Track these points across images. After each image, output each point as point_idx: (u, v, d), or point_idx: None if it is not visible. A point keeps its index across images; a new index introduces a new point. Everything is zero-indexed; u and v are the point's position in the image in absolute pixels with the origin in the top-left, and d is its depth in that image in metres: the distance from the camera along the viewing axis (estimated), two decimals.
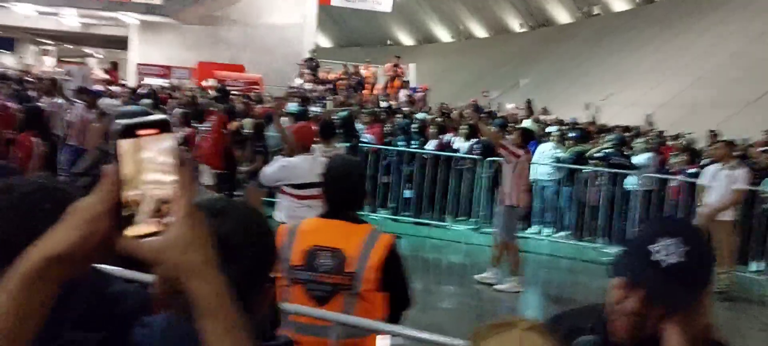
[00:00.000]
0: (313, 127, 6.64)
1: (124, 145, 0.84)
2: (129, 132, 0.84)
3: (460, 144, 10.89)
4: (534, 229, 10.37)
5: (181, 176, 0.86)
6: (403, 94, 18.52)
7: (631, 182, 9.86)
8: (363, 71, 20.44)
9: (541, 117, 15.71)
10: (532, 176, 9.17)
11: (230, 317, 0.88)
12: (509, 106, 19.55)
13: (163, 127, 0.85)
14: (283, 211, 5.28)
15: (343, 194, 3.00)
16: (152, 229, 0.84)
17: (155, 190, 0.84)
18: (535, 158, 10.00)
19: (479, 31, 36.51)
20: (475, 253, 9.39)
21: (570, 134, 11.40)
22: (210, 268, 0.87)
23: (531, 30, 33.07)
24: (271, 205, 9.66)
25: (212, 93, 14.27)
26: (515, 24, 34.16)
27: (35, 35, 27.80)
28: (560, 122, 14.35)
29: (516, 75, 28.36)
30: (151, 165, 0.84)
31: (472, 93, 22.55)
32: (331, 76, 20.23)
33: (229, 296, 0.89)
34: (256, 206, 8.89)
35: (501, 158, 7.85)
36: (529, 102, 18.58)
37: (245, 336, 0.90)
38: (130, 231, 0.84)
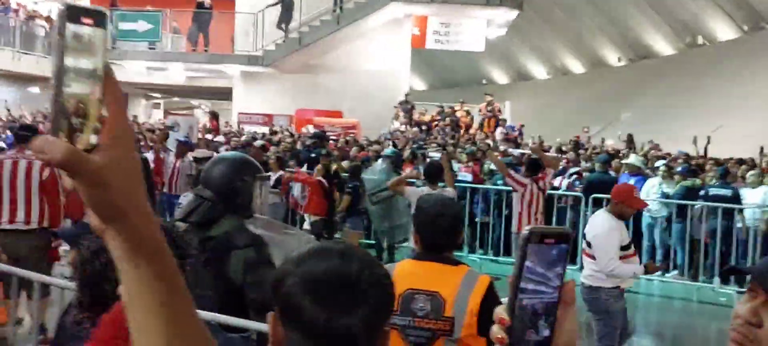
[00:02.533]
0: None
1: (68, 30, 0.70)
2: (74, 15, 0.70)
3: (560, 181, 10.59)
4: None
5: (109, 82, 0.71)
6: (499, 133, 18.30)
7: (749, 217, 9.26)
8: (458, 112, 20.36)
9: (651, 153, 15.08)
10: None
11: (169, 261, 0.77)
12: (610, 142, 18.94)
13: (98, 20, 0.71)
14: None
15: (438, 234, 2.90)
16: (89, 141, 0.70)
17: (83, 88, 0.70)
18: (642, 194, 9.64)
19: (576, 67, 35.78)
20: (578, 294, 8.98)
21: (678, 169, 10.88)
22: (143, 201, 0.74)
23: (630, 63, 32.11)
24: (369, 247, 9.69)
25: (310, 138, 14.55)
26: (613, 58, 33.28)
27: (146, 90, 29.39)
28: (667, 156, 13.75)
29: (616, 110, 27.51)
30: (83, 57, 0.70)
31: (570, 130, 22.03)
32: (426, 117, 20.26)
33: (164, 242, 0.77)
34: None
35: (603, 195, 7.71)
36: (630, 137, 17.95)
37: (184, 286, 0.78)
38: (77, 141, 0.70)
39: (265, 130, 18.21)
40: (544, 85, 36.43)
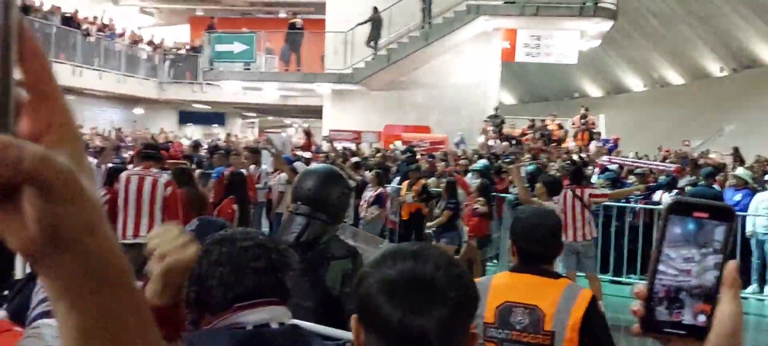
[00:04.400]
0: None
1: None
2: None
3: (662, 196, 10.18)
4: (753, 288, 9.36)
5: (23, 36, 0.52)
6: (593, 146, 17.82)
7: None
8: (550, 125, 19.98)
9: (756, 165, 14.32)
10: (748, 229, 9.17)
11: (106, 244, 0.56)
12: (713, 155, 18.11)
13: None
14: None
15: (537, 246, 2.82)
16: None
17: None
18: (751, 209, 9.22)
19: (675, 78, 34.50)
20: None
21: None
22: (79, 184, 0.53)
23: (733, 73, 30.70)
24: None
25: (402, 154, 14.59)
26: (715, 68, 31.90)
27: (241, 109, 30.35)
28: None
29: (719, 122, 26.34)
30: None
31: (669, 143, 21.24)
32: (516, 131, 19.98)
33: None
34: None
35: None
36: (736, 150, 17.10)
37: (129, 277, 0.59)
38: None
39: (353, 146, 18.41)
40: (641, 97, 35.32)
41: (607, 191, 8.77)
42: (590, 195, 8.20)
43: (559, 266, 7.78)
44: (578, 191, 8.15)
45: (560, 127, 20.01)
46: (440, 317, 1.12)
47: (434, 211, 10.35)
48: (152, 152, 6.93)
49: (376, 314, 1.13)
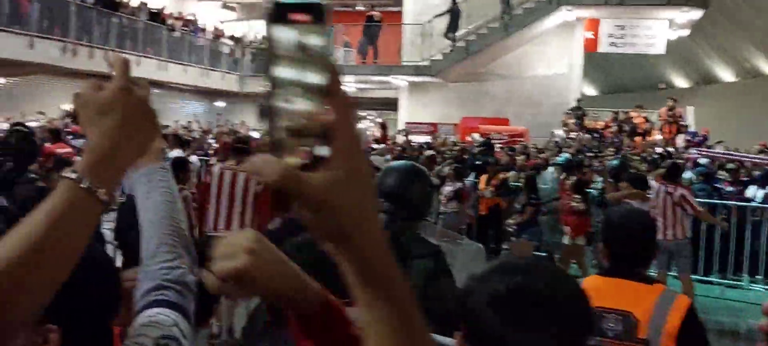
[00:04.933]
0: None
1: (274, 32, 0.61)
2: (280, 14, 0.61)
3: (755, 192, 9.68)
4: None
5: (335, 86, 0.62)
6: (681, 140, 17.16)
7: None
8: (635, 118, 19.36)
9: None
10: None
11: (400, 289, 0.69)
12: None
13: (316, 14, 0.61)
14: None
15: (630, 249, 2.67)
16: (303, 158, 0.61)
17: (303, 102, 0.60)
18: None
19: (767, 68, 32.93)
20: None
21: None
22: (373, 222, 0.67)
23: None
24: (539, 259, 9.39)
25: (478, 147, 14.41)
26: None
27: None
28: None
29: None
30: (300, 61, 0.61)
31: (762, 136, 20.25)
32: (599, 124, 19.44)
33: (396, 266, 0.69)
34: None
35: None
36: None
37: (418, 319, 0.71)
38: (287, 158, 0.61)
39: (429, 139, 18.33)
40: (731, 88, 33.86)
41: (696, 205, 8.16)
42: (681, 196, 7.82)
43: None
44: (670, 188, 7.83)
45: (646, 120, 19.35)
46: (557, 334, 1.05)
47: (514, 206, 10.16)
48: (244, 146, 6.98)
49: (486, 333, 1.08)
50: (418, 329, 0.73)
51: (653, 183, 8.19)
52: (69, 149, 9.60)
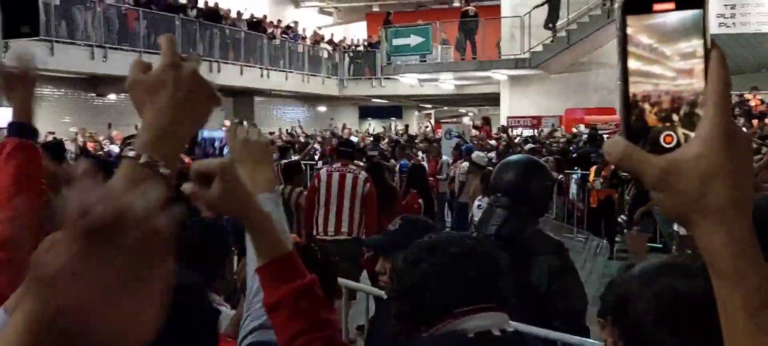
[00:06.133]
0: None
1: (633, 23, 0.65)
2: (640, 5, 0.64)
3: None
4: None
5: (713, 67, 0.64)
6: None
7: None
8: (751, 100, 18.37)
9: None
10: None
11: (749, 280, 0.63)
12: None
13: (686, 2, 0.64)
14: None
15: None
16: (668, 138, 0.63)
17: (671, 85, 0.64)
18: None
19: None
20: None
21: None
22: (735, 211, 0.63)
23: None
24: (655, 251, 9.08)
25: (584, 138, 14.09)
26: None
27: (418, 101, 30.78)
28: None
29: None
30: (666, 48, 0.64)
31: None
32: None
33: (755, 257, 0.63)
34: (641, 253, 8.43)
35: None
36: None
37: None
38: (635, 138, 0.65)
39: (533, 132, 18.05)
40: None
41: None
42: None
43: None
44: None
45: (762, 101, 18.33)
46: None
47: (625, 197, 9.87)
48: (348, 150, 7.09)
49: (647, 339, 1.06)
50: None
51: None
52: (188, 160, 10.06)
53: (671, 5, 0.63)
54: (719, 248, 0.63)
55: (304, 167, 10.94)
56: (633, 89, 0.65)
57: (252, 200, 1.28)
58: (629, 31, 0.65)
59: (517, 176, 3.24)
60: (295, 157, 10.93)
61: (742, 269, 0.63)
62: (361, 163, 8.22)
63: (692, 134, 0.63)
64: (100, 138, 16.85)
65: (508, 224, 3.16)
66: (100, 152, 13.86)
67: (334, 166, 6.91)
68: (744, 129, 9.96)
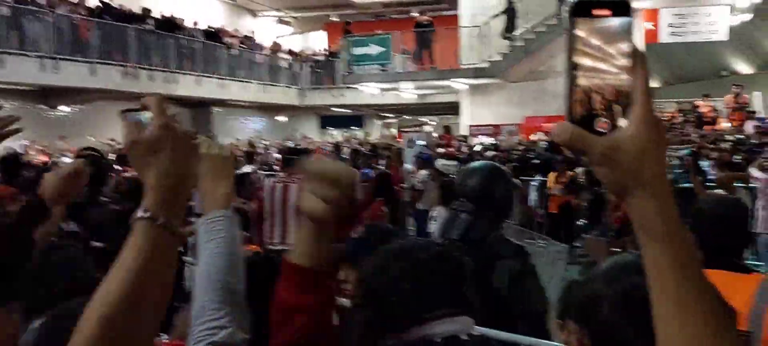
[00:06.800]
0: None
1: (579, 24, 0.75)
2: (583, 9, 0.76)
3: None
4: None
5: (638, 65, 0.76)
6: (750, 126, 16.64)
7: None
8: (701, 107, 18.86)
9: None
10: None
11: (678, 246, 0.75)
12: None
13: (619, 10, 0.76)
14: None
15: (725, 238, 2.64)
16: (603, 123, 0.75)
17: (606, 79, 0.75)
18: None
19: None
20: None
21: None
22: (661, 183, 0.75)
23: None
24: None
25: (542, 146, 14.28)
26: None
27: (378, 110, 30.84)
28: None
29: None
30: (602, 49, 0.76)
31: None
32: (665, 114, 19.01)
33: (679, 222, 0.76)
34: (600, 258, 8.57)
35: None
36: None
37: (695, 267, 0.76)
38: (578, 122, 0.76)
39: (493, 140, 18.22)
40: None
41: None
42: None
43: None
44: None
45: (712, 108, 18.84)
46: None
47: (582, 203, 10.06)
48: (294, 158, 6.98)
49: (615, 338, 1.07)
50: (699, 276, 0.77)
51: (757, 173, 7.75)
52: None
53: (607, 12, 0.75)
54: (652, 213, 0.75)
55: (259, 178, 10.87)
56: (576, 81, 0.75)
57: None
58: (574, 31, 0.76)
59: (481, 182, 3.28)
60: (252, 168, 10.83)
61: (672, 230, 0.75)
62: None
63: (623, 121, 0.75)
64: (52, 151, 16.49)
65: (475, 228, 3.20)
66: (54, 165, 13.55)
67: (279, 176, 6.84)
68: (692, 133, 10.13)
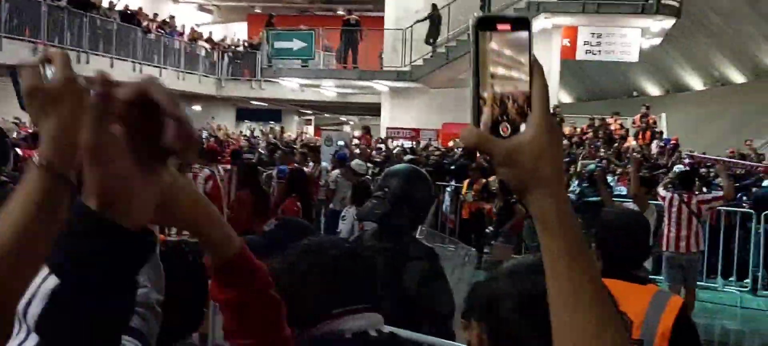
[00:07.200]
0: None
1: (483, 37, 0.81)
2: (487, 23, 0.82)
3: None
4: None
5: (535, 75, 0.82)
6: (655, 146, 17.44)
7: None
8: (612, 124, 19.63)
9: None
10: None
11: (571, 238, 0.82)
12: None
13: (519, 26, 0.82)
14: None
15: (625, 249, 2.75)
16: (505, 128, 0.81)
17: (507, 87, 0.82)
18: None
19: (736, 77, 33.51)
20: (753, 318, 8.35)
21: None
22: (557, 182, 0.83)
23: None
24: None
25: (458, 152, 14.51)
26: None
27: (298, 106, 30.61)
28: None
29: None
30: (504, 60, 0.82)
31: (730, 143, 20.64)
32: (577, 129, 19.69)
33: (572, 217, 0.83)
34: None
35: None
36: None
37: (586, 257, 0.83)
38: (483, 127, 0.81)
39: (411, 144, 18.40)
40: (701, 96, 34.43)
41: (717, 193, 8.00)
42: (699, 202, 7.50)
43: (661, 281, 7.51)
44: (686, 197, 7.51)
45: (621, 126, 19.64)
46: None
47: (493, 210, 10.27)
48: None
49: (512, 334, 1.09)
50: (589, 265, 0.83)
51: (663, 192, 7.90)
52: None
53: (508, 26, 0.81)
54: (548, 207, 0.82)
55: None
56: (480, 89, 0.81)
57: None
58: (479, 43, 0.81)
59: (401, 184, 3.30)
60: None
61: (566, 224, 0.82)
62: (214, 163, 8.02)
63: (522, 125, 0.81)
64: None
65: (391, 228, 3.22)
66: None
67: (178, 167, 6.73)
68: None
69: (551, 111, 0.84)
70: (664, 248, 7.51)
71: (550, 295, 0.83)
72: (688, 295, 7.44)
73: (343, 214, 6.90)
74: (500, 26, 0.81)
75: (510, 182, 0.83)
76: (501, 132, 0.81)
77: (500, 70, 0.81)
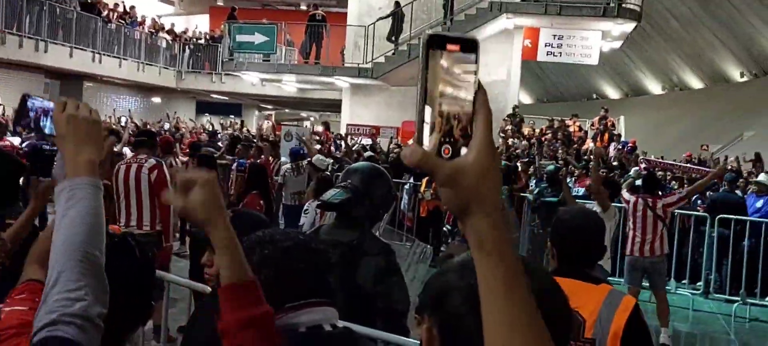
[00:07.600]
0: None
1: (432, 56, 0.81)
2: (438, 43, 0.81)
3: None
4: None
5: (480, 98, 0.83)
6: (613, 149, 17.69)
7: None
8: (571, 126, 19.86)
9: None
10: None
11: (507, 258, 0.83)
12: (732, 160, 17.96)
13: (468, 47, 0.82)
14: None
15: (580, 248, 2.74)
16: (446, 149, 0.82)
17: (453, 106, 0.82)
18: None
19: (694, 82, 34.24)
20: (705, 321, 8.51)
21: None
22: (496, 207, 0.83)
23: (755, 78, 30.41)
24: None
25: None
26: (736, 73, 31.63)
27: (258, 101, 30.37)
28: None
29: (739, 127, 26.12)
30: (451, 79, 0.82)
31: (686, 147, 21.09)
32: (536, 131, 19.87)
33: (510, 241, 0.84)
34: None
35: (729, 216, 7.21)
36: (758, 155, 16.96)
37: (522, 281, 0.84)
38: (428, 146, 0.82)
39: (369, 142, 18.37)
40: (659, 100, 35.11)
41: (681, 194, 7.98)
42: (664, 206, 7.43)
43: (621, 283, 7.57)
44: (650, 201, 7.44)
45: (580, 128, 19.89)
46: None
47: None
48: (142, 139, 6.73)
49: (468, 336, 1.06)
50: (524, 294, 0.84)
51: (628, 195, 7.86)
52: (7, 143, 9.32)
53: (457, 47, 0.81)
54: (487, 231, 0.82)
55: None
56: (426, 108, 0.81)
57: (224, 216, 1.36)
58: (427, 61, 0.81)
59: (361, 181, 3.28)
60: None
61: (504, 248, 0.82)
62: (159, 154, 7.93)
63: (464, 149, 0.82)
64: None
65: (349, 224, 3.19)
66: None
67: (127, 158, 6.65)
68: (560, 151, 10.51)
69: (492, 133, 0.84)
70: (628, 252, 7.54)
71: (484, 319, 0.83)
72: (660, 302, 7.42)
73: (305, 208, 6.84)
74: (450, 46, 0.81)
75: (450, 202, 0.83)
76: (442, 153, 0.81)
77: (448, 90, 0.81)
